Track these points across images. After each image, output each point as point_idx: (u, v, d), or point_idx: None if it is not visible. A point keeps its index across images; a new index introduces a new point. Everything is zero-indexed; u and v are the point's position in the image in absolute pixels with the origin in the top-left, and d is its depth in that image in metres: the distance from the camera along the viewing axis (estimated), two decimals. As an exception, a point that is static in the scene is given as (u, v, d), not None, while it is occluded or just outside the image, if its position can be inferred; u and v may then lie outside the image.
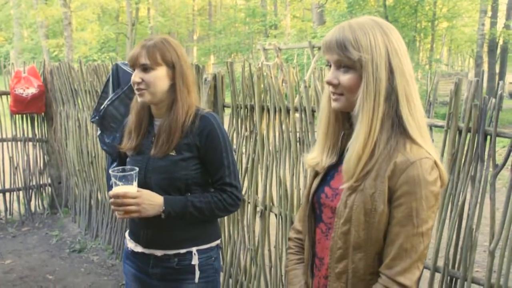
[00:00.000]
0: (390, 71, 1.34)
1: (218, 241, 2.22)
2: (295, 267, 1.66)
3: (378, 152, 1.35)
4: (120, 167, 1.99)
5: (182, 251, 2.09)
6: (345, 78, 1.36)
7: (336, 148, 1.51)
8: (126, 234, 2.27)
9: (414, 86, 1.38)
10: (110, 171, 1.95)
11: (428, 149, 1.36)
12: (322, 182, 1.55)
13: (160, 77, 1.99)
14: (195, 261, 2.09)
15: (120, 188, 1.90)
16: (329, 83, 1.40)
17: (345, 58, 1.34)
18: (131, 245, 2.19)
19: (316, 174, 1.58)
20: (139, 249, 2.15)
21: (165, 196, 2.01)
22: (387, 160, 1.34)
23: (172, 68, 2.02)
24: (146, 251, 2.12)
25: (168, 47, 2.01)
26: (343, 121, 1.50)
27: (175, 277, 2.11)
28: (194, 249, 2.10)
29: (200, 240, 2.13)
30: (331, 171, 1.53)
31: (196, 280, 2.10)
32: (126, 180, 1.90)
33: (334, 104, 1.42)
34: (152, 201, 1.96)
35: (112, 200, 1.91)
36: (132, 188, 1.91)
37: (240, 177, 2.47)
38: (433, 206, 1.33)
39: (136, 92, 2.03)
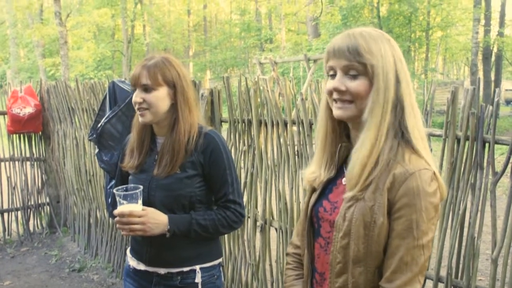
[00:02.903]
0: (397, 80, 1.34)
1: (220, 259, 2.21)
2: (294, 283, 1.64)
3: (381, 161, 1.33)
4: (124, 186, 1.98)
5: (186, 269, 2.07)
6: (354, 84, 1.34)
7: (334, 161, 1.49)
8: (127, 251, 2.25)
9: (414, 96, 1.38)
10: (114, 190, 1.94)
11: (428, 160, 1.35)
12: (320, 196, 1.53)
13: (161, 97, 1.99)
14: (198, 279, 2.08)
15: (125, 207, 1.89)
16: (336, 89, 1.36)
17: (357, 63, 1.32)
18: (133, 263, 2.18)
19: (314, 189, 1.56)
20: (141, 267, 2.13)
21: (170, 214, 2.00)
22: (386, 171, 1.32)
23: (173, 87, 2.01)
24: (149, 269, 2.11)
25: (169, 66, 2.00)
26: (341, 133, 1.49)
27: None
28: (197, 267, 2.09)
29: (203, 258, 2.12)
30: (330, 184, 1.51)
31: None
32: (131, 198, 1.89)
33: (339, 113, 1.38)
34: (157, 220, 1.95)
35: (117, 219, 1.90)
36: (137, 207, 1.91)
37: (242, 195, 2.46)
38: (433, 218, 1.31)
39: (138, 112, 2.03)
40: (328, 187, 1.51)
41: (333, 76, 1.38)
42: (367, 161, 1.33)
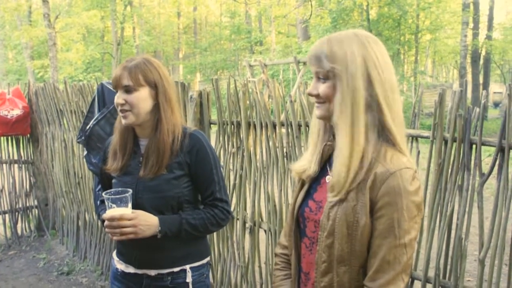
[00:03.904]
0: (368, 81, 1.35)
1: (208, 258, 2.23)
2: (282, 283, 1.65)
3: (366, 162, 1.34)
4: (113, 190, 1.97)
5: (176, 269, 2.08)
6: (322, 87, 1.40)
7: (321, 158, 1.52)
8: (114, 254, 2.24)
9: (396, 97, 1.39)
10: (103, 194, 1.92)
11: (409, 158, 1.36)
12: (306, 196, 1.54)
13: (143, 98, 1.98)
14: (189, 278, 2.09)
15: (115, 211, 1.88)
16: (309, 94, 1.45)
17: (321, 69, 1.38)
18: (120, 266, 2.17)
19: (302, 185, 1.58)
20: (131, 269, 2.12)
21: (160, 216, 2.00)
22: (368, 171, 1.33)
23: (155, 88, 2.01)
24: (139, 271, 2.10)
25: (150, 67, 2.00)
26: (330, 132, 1.51)
27: None
28: (187, 267, 2.10)
29: (193, 258, 2.13)
30: (314, 183, 1.53)
31: None
32: (120, 202, 1.88)
33: (315, 112, 1.46)
34: (148, 222, 1.95)
35: (107, 223, 1.88)
36: (127, 210, 1.90)
37: (228, 193, 2.47)
38: (416, 217, 1.32)
39: (120, 114, 2.02)
40: (313, 186, 1.53)
41: None
42: (349, 165, 1.34)
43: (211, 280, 3.12)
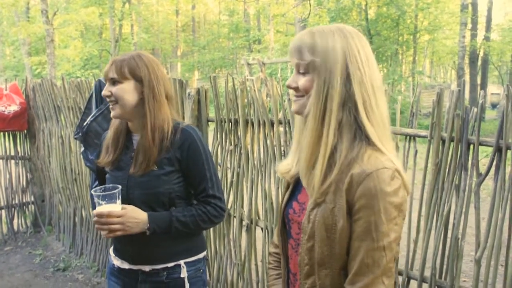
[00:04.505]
0: (347, 78, 1.30)
1: (204, 253, 2.22)
2: (274, 282, 1.65)
3: (339, 163, 1.29)
4: (102, 186, 1.97)
5: (170, 264, 2.08)
6: (302, 80, 1.35)
7: None
8: (110, 250, 2.25)
9: (377, 95, 1.33)
10: (92, 191, 1.92)
11: (392, 157, 1.31)
12: (290, 197, 1.52)
13: (127, 90, 1.99)
14: (184, 273, 2.09)
15: (103, 207, 1.88)
16: (288, 86, 1.41)
17: (301, 61, 1.34)
18: (116, 262, 2.17)
19: (288, 186, 1.55)
20: (126, 265, 2.13)
21: (149, 212, 2.00)
22: (346, 172, 1.29)
23: (141, 82, 2.01)
24: (134, 267, 2.11)
25: (138, 62, 2.01)
26: None
27: None
28: (182, 262, 2.10)
29: (187, 253, 2.13)
30: (299, 184, 1.49)
31: None
32: (109, 198, 1.88)
33: (292, 106, 1.43)
34: (137, 218, 1.95)
35: (95, 219, 1.89)
36: (116, 207, 1.90)
37: (224, 190, 2.47)
38: (396, 218, 1.26)
39: (110, 107, 2.05)
40: (297, 187, 1.50)
41: None
42: (310, 163, 1.33)
43: (207, 277, 3.12)
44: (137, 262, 2.10)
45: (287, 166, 1.52)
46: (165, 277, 2.08)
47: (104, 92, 2.02)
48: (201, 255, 2.19)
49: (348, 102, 1.30)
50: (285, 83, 1.36)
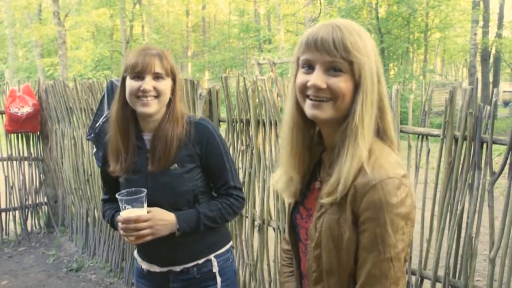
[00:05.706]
0: (378, 80, 1.24)
1: (231, 242, 2.22)
2: (288, 279, 1.62)
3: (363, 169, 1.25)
4: (126, 190, 1.90)
5: (201, 261, 2.08)
6: (337, 81, 1.20)
7: (305, 164, 1.41)
8: (135, 253, 2.22)
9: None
10: (116, 195, 1.86)
11: (397, 159, 1.26)
12: (297, 202, 1.48)
13: (168, 86, 1.98)
14: (215, 268, 2.09)
15: (130, 212, 1.81)
16: (315, 86, 1.21)
17: (342, 60, 1.18)
18: (144, 265, 2.14)
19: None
20: (155, 268, 2.11)
21: (177, 213, 1.96)
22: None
23: (174, 80, 2.02)
24: (164, 269, 2.09)
25: (170, 60, 2.00)
26: (308, 133, 1.38)
27: (197, 286, 2.09)
28: (211, 256, 2.09)
29: (216, 246, 2.13)
30: (305, 190, 1.45)
31: (219, 285, 2.09)
32: (136, 202, 1.82)
33: (315, 112, 1.24)
34: (165, 220, 1.91)
35: (123, 226, 1.84)
36: (143, 211, 1.84)
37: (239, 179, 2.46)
38: (403, 228, 1.20)
39: (141, 101, 1.92)
40: (304, 192, 1.46)
41: (308, 69, 1.25)
42: (354, 174, 1.22)
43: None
44: (166, 264, 2.08)
45: (283, 184, 1.45)
46: (195, 273, 2.07)
47: (146, 86, 1.89)
48: (228, 246, 2.18)
49: (380, 104, 1.26)
50: (308, 83, 1.22)
